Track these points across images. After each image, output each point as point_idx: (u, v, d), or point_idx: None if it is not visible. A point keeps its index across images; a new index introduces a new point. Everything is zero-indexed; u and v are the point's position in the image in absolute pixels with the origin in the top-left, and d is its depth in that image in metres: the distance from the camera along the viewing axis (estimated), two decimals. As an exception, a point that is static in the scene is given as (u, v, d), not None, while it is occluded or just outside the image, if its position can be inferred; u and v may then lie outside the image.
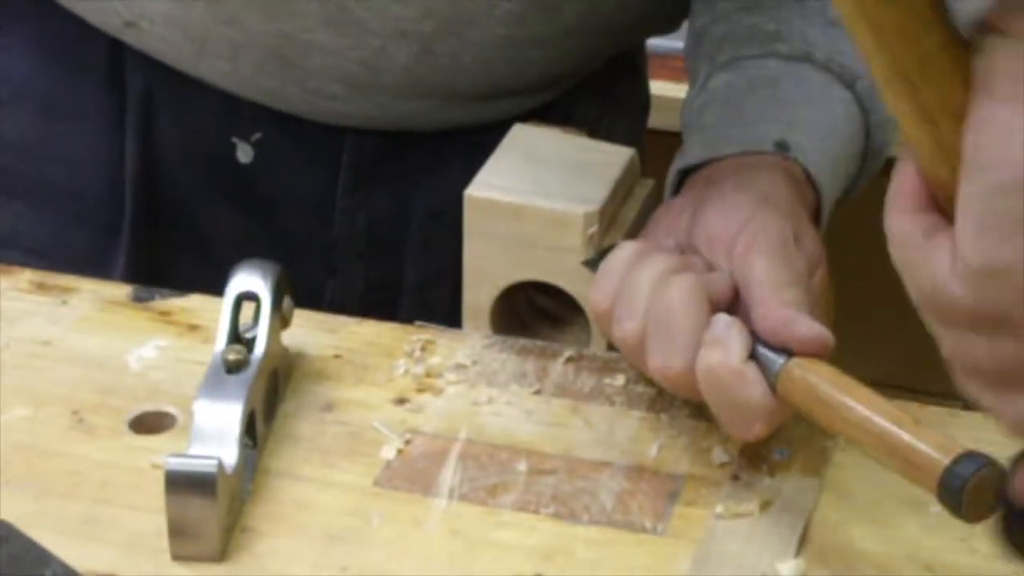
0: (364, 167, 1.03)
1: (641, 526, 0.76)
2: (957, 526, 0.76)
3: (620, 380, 0.86)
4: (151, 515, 0.75)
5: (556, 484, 0.79)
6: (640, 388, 0.85)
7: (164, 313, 0.92)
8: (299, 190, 1.03)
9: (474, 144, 0.97)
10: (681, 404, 0.84)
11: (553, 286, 0.88)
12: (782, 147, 0.88)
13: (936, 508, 0.77)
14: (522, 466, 0.80)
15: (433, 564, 0.74)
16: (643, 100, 1.18)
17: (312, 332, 0.90)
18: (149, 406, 0.84)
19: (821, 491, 0.78)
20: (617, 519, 0.77)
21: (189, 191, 1.03)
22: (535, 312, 0.92)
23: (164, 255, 1.04)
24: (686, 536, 0.75)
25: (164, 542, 0.74)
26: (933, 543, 0.75)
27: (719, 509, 0.77)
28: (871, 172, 0.96)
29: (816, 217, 0.89)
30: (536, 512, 0.77)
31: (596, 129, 1.00)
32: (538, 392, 0.86)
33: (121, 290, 0.94)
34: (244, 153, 1.02)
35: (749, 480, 0.79)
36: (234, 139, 1.02)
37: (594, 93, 1.07)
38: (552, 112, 1.03)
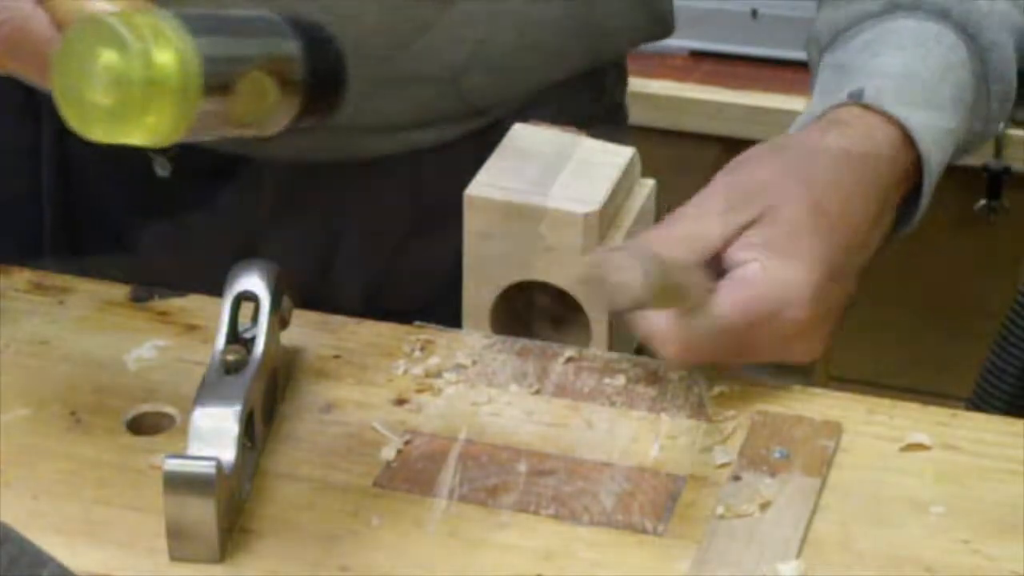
0: (285, 188, 1.01)
1: (641, 527, 0.76)
2: (958, 527, 0.76)
3: (620, 380, 0.86)
4: (149, 516, 0.75)
5: (556, 485, 0.78)
6: (640, 388, 0.85)
7: (162, 313, 0.91)
8: (221, 202, 1.02)
9: (412, 168, 0.96)
10: (681, 404, 0.84)
11: (553, 286, 0.88)
12: (855, 96, 0.90)
13: (937, 508, 0.77)
14: (522, 466, 0.80)
15: (433, 564, 0.74)
16: (608, 103, 1.11)
17: (311, 332, 0.90)
18: (147, 406, 0.84)
19: (821, 491, 0.78)
20: (617, 520, 0.76)
21: (108, 205, 1.02)
22: (535, 312, 0.92)
23: (89, 269, 1.03)
24: (686, 536, 0.75)
25: (163, 543, 0.74)
26: (934, 544, 0.75)
27: (719, 509, 0.77)
28: (1002, 95, 0.96)
29: (910, 151, 0.89)
30: (536, 513, 0.77)
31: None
32: (538, 392, 0.85)
33: (119, 290, 0.93)
34: (162, 166, 1.00)
35: (749, 480, 0.78)
36: (150, 153, 1.00)
37: (546, 104, 1.03)
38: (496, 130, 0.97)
